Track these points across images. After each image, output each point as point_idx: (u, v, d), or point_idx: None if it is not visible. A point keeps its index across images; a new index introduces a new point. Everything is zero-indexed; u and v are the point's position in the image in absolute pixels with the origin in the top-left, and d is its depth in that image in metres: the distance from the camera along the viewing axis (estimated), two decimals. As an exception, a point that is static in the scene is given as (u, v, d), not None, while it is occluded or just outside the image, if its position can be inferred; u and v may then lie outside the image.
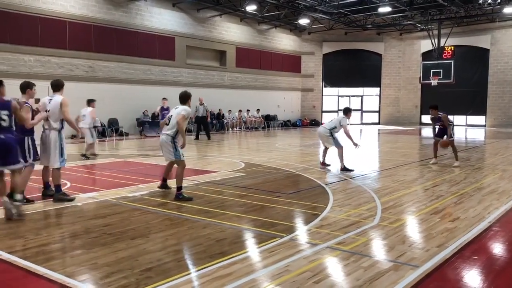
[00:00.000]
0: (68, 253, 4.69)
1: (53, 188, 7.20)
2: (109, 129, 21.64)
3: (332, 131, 10.65)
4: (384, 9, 27.26)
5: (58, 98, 7.15)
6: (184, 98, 7.80)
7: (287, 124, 32.44)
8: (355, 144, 10.71)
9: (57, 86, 7.35)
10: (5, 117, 6.12)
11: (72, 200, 7.12)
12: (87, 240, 5.12)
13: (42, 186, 7.52)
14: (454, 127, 12.31)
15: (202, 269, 4.22)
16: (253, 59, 29.92)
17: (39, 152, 7.19)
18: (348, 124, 10.74)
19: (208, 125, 21.55)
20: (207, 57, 27.45)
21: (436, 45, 29.08)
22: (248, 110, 28.73)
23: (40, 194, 7.46)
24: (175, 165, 7.81)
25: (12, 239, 5.14)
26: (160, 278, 3.96)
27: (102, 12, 21.28)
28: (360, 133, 26.89)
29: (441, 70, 27.73)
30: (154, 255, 4.59)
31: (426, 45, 31.51)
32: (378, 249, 4.87)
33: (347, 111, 10.92)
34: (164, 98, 18.60)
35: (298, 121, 33.78)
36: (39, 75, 18.83)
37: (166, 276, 4.01)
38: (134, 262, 4.39)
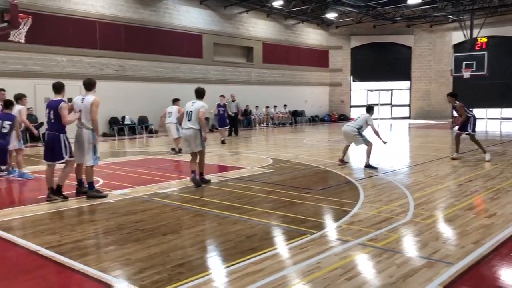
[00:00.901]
0: (102, 249, 4.79)
1: (86, 185, 7.37)
2: (139, 127, 21.98)
3: (359, 130, 10.46)
4: (414, 1, 26.68)
5: (90, 98, 7.30)
6: (202, 94, 8.66)
7: (315, 120, 32.22)
8: (384, 142, 10.53)
9: (89, 85, 7.48)
10: (52, 116, 6.90)
11: (104, 197, 7.27)
12: (120, 236, 5.22)
13: (76, 183, 7.70)
14: (476, 120, 11.79)
15: (233, 265, 4.23)
16: (280, 55, 29.81)
17: (73, 150, 7.39)
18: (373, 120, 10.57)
19: (237, 121, 21.62)
20: (234, 54, 27.52)
21: (469, 37, 28.27)
22: (275, 106, 28.69)
23: (74, 191, 7.63)
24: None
25: (49, 235, 5.28)
26: (192, 274, 4.00)
27: (131, 12, 21.61)
28: (390, 128, 26.48)
29: (474, 62, 26.91)
30: (186, 251, 4.64)
31: (458, 36, 30.68)
32: (411, 246, 4.78)
33: (370, 109, 10.77)
34: (221, 96, 18.79)
35: (326, 116, 33.51)
36: (71, 75, 19.31)
37: (197, 272, 4.04)
38: (166, 258, 4.44)
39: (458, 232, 5.28)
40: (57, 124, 7.07)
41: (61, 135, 7.10)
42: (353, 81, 34.57)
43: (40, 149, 13.46)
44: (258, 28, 28.35)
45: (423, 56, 34.12)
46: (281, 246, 4.84)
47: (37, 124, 17.94)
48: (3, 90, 9.90)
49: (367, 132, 10.66)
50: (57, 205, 6.83)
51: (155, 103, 22.54)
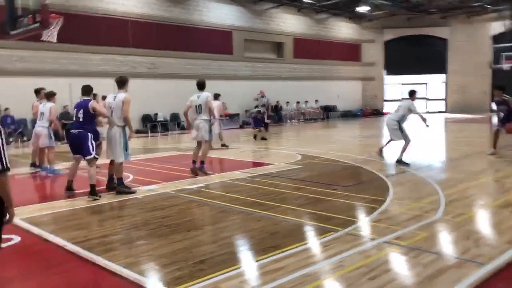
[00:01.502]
0: (127, 244, 4.84)
1: (116, 181, 7.50)
2: (171, 123, 22.24)
3: (400, 122, 9.83)
4: (450, -9, 25.84)
5: (121, 95, 7.42)
6: (203, 85, 9.33)
7: (347, 115, 31.76)
8: (427, 125, 10.00)
9: (121, 83, 7.60)
10: (80, 115, 7.22)
11: (133, 192, 7.37)
12: (146, 232, 5.27)
13: (107, 179, 7.85)
14: None
15: (254, 262, 4.19)
16: (311, 49, 29.50)
17: (106, 147, 7.63)
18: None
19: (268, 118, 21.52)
20: (265, 50, 27.43)
21: (508, 27, 27.16)
22: (306, 102, 28.45)
23: (105, 186, 7.78)
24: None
25: (76, 230, 5.39)
26: (213, 271, 3.98)
27: (162, 10, 21.86)
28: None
29: (514, 53, 25.91)
30: (208, 247, 4.63)
31: (497, 27, 29.57)
32: (440, 245, 4.61)
33: (412, 94, 10.04)
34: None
35: (359, 111, 32.97)
36: (105, 73, 19.69)
37: (218, 269, 4.02)
38: (189, 254, 4.45)
39: (491, 230, 5.07)
40: (85, 123, 7.24)
41: (89, 134, 7.25)
42: (387, 75, 33.87)
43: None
44: (288, 23, 28.15)
45: (460, 48, 33.02)
46: (304, 243, 4.76)
47: (72, 121, 18.46)
48: (43, 88, 10.29)
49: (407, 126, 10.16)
50: (86, 201, 6.97)
51: (186, 100, 22.73)
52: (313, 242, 4.79)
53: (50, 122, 9.87)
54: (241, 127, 22.01)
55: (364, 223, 5.46)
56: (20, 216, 5.73)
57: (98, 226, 5.54)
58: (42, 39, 7.88)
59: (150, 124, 21.46)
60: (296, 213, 5.98)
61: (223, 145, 14.03)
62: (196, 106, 9.13)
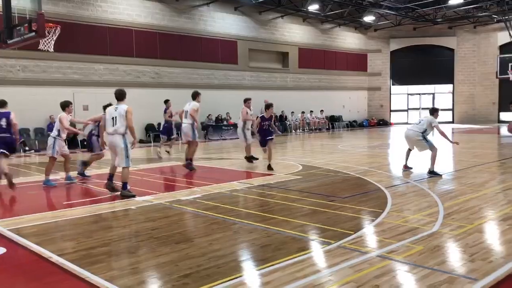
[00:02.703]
0: (113, 257, 4.74)
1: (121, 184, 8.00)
2: (176, 133, 22.18)
3: (424, 134, 9.88)
4: (456, 1, 25.73)
5: (124, 106, 8.01)
6: (194, 96, 11.23)
7: (353, 125, 31.62)
8: (453, 142, 10.17)
9: (121, 95, 8.14)
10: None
11: (134, 196, 7.79)
12: (134, 244, 5.17)
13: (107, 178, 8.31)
14: None
15: (240, 276, 4.07)
16: (316, 59, 29.47)
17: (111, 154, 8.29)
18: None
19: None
20: (270, 59, 27.44)
21: (515, 37, 26.97)
22: (311, 111, 28.34)
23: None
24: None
25: (65, 241, 5.31)
26: (196, 285, 3.86)
27: (166, 20, 21.96)
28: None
29: (521, 64, 25.66)
30: (195, 261, 4.51)
31: (504, 37, 29.38)
32: (434, 259, 4.44)
33: (434, 111, 10.14)
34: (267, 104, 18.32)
35: (365, 121, 32.81)
36: (108, 83, 19.79)
37: (202, 283, 3.90)
38: (174, 268, 4.33)
39: (488, 244, 4.90)
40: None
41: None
42: (393, 85, 33.73)
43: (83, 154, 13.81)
44: (293, 33, 28.16)
45: (466, 58, 32.83)
46: (294, 257, 4.62)
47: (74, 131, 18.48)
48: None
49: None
50: (78, 211, 6.90)
51: (190, 109, 22.80)
52: (303, 255, 4.65)
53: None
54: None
55: (358, 235, 5.31)
56: (8, 226, 5.66)
57: (86, 237, 5.44)
58: (39, 47, 7.86)
59: (153, 133, 21.45)
60: (290, 225, 5.85)
61: (249, 158, 12.15)
62: (184, 111, 11.17)
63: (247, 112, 12.05)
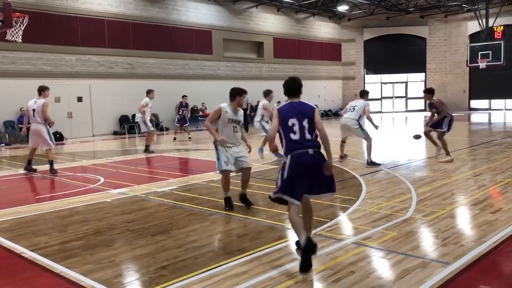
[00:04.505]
0: (88, 251, 4.67)
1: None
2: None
3: (359, 121, 9.76)
4: (427, -9, 26.06)
5: (41, 101, 9.57)
6: (147, 92, 13.37)
7: (328, 114, 31.86)
8: (376, 126, 9.97)
9: (39, 91, 9.76)
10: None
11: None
12: (109, 237, 5.11)
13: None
14: (452, 119, 10.25)
15: (218, 267, 4.08)
16: (291, 49, 29.50)
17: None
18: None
19: (247, 117, 21.49)
20: (245, 49, 27.32)
21: (484, 26, 27.53)
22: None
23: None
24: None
25: (38, 236, 5.21)
26: (173, 277, 3.86)
27: (139, 9, 21.58)
28: (405, 121, 26.05)
29: (490, 52, 26.22)
30: (172, 252, 4.50)
31: (474, 26, 29.91)
32: (408, 245, 4.54)
33: (364, 94, 10.08)
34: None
35: (339, 110, 33.02)
36: (80, 74, 19.40)
37: (179, 275, 3.90)
38: (151, 260, 4.31)
39: (459, 229, 5.04)
40: None
41: None
42: (367, 74, 34.07)
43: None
44: (268, 22, 28.08)
45: (438, 47, 33.40)
46: (271, 246, 4.66)
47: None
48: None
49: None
50: (52, 204, 6.78)
51: (165, 100, 22.52)
52: (280, 244, 4.69)
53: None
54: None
55: (333, 223, 5.39)
56: (-20, 222, 5.51)
57: (60, 231, 5.35)
58: (6, 38, 7.61)
59: (127, 125, 21.17)
60: (267, 214, 5.89)
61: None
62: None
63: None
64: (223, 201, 6.36)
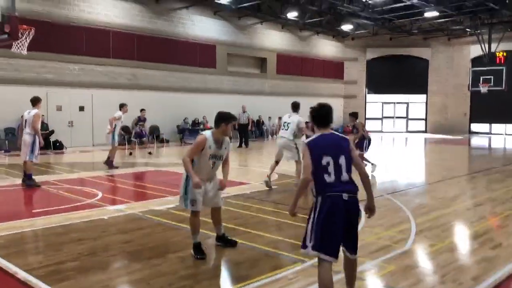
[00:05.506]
0: (83, 273, 4.61)
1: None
2: (151, 136, 21.93)
3: (295, 140, 9.03)
4: (431, 14, 26.24)
5: (33, 111, 9.37)
6: (120, 106, 13.07)
7: (328, 132, 31.85)
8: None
9: (33, 102, 9.47)
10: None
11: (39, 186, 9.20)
12: (104, 259, 5.05)
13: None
14: (370, 142, 11.74)
15: (213, 297, 4.02)
16: (294, 66, 29.64)
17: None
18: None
19: (248, 133, 21.50)
20: (248, 65, 27.45)
21: (487, 51, 27.70)
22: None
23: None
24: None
25: (32, 254, 5.16)
26: (168, 307, 3.80)
27: (144, 22, 21.70)
28: (405, 142, 26.07)
29: (492, 77, 26.36)
30: (167, 279, 4.44)
31: (476, 50, 30.08)
32: (406, 280, 4.49)
33: (297, 107, 9.20)
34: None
35: (340, 128, 33.10)
36: (83, 83, 19.44)
37: (174, 305, 3.84)
38: (146, 286, 4.25)
39: (458, 265, 4.98)
40: None
41: None
42: (368, 93, 34.19)
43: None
44: (272, 39, 28.25)
45: (440, 70, 33.57)
46: (268, 276, 4.59)
47: (47, 131, 18.07)
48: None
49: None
50: (49, 220, 6.72)
51: (167, 112, 22.57)
52: (278, 274, 4.62)
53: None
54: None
55: (331, 253, 5.32)
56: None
57: (55, 250, 5.30)
58: (12, 50, 7.63)
59: (127, 136, 21.11)
60: (264, 240, 5.83)
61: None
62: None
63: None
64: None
